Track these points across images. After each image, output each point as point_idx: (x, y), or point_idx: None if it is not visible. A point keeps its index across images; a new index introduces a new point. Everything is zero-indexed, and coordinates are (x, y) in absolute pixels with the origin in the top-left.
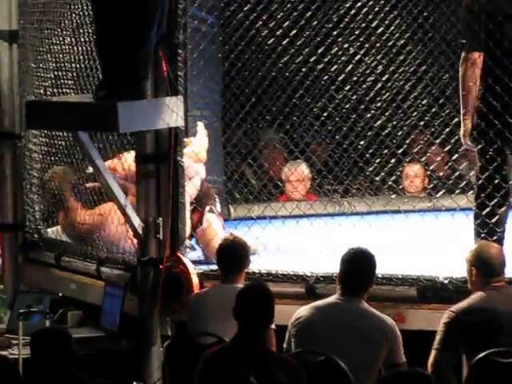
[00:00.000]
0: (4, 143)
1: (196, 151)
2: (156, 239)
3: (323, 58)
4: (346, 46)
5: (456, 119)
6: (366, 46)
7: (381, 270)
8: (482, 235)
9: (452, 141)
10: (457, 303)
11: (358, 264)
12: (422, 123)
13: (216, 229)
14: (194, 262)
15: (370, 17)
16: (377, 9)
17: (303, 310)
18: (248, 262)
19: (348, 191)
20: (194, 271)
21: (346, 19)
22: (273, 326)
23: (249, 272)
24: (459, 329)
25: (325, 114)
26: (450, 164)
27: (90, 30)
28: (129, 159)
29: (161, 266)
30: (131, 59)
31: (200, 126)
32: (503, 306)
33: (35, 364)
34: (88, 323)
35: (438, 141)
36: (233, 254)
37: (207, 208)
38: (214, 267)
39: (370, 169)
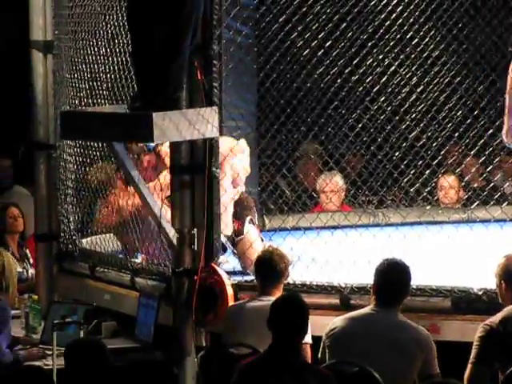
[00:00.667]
0: (39, 153)
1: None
2: (190, 250)
3: (358, 69)
4: (380, 57)
5: (491, 130)
6: (401, 57)
7: (415, 281)
8: None
9: (487, 152)
10: (491, 315)
11: (393, 275)
12: (456, 134)
13: (253, 239)
14: (229, 273)
15: (405, 28)
16: (411, 20)
17: (338, 321)
18: (287, 274)
19: (382, 202)
20: (228, 282)
21: (381, 30)
22: (309, 341)
23: (283, 283)
24: (494, 342)
25: (359, 125)
26: (484, 175)
27: (125, 41)
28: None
29: (195, 277)
30: (166, 69)
31: (242, 142)
32: None
33: (70, 375)
34: (122, 334)
35: (472, 152)
36: (271, 266)
37: (248, 218)
38: (249, 278)
39: (405, 180)
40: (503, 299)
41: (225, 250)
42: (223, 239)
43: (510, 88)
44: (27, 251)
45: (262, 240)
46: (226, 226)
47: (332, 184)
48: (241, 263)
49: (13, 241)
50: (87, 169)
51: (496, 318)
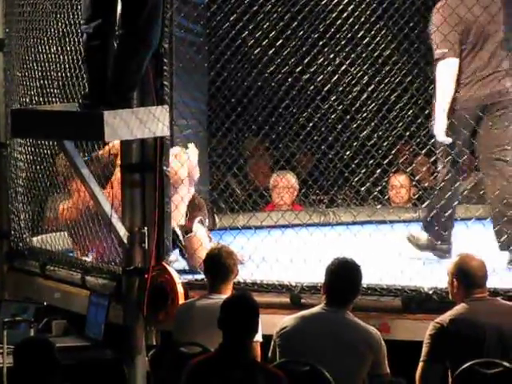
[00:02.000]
0: None
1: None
2: (141, 248)
3: (309, 68)
4: (331, 56)
5: None
6: (352, 56)
7: (366, 280)
8: None
9: (437, 151)
10: (442, 314)
11: (344, 274)
12: (407, 134)
13: (202, 239)
14: (180, 272)
15: (356, 27)
16: (363, 19)
17: (288, 320)
18: (236, 271)
19: (333, 201)
20: (179, 281)
21: (332, 29)
22: (260, 339)
23: (234, 282)
24: (445, 340)
25: (310, 124)
26: (435, 174)
27: (76, 39)
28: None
29: (146, 276)
30: (122, 68)
31: (191, 147)
32: (486, 317)
33: (19, 374)
34: (73, 332)
35: (423, 151)
36: (220, 263)
37: (197, 219)
38: (200, 277)
39: (356, 179)
40: (454, 297)
41: (175, 245)
42: (178, 232)
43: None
44: None
45: (211, 239)
46: (183, 216)
47: (284, 181)
48: (188, 262)
49: None
50: (39, 166)
51: (446, 316)
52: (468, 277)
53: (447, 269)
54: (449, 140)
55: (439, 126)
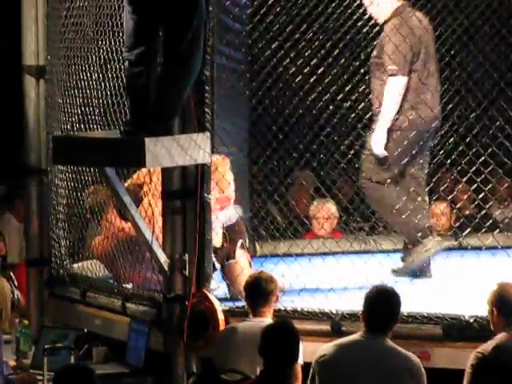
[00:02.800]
0: (30, 178)
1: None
2: (182, 275)
3: (350, 96)
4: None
5: (483, 157)
6: None
7: (406, 307)
8: None
9: (478, 179)
10: (482, 342)
11: (382, 302)
12: (448, 161)
13: (243, 265)
14: (220, 299)
15: None
16: None
17: (327, 348)
18: (276, 295)
19: (374, 229)
20: (219, 308)
21: None
22: (300, 362)
23: (274, 309)
24: (486, 370)
25: (351, 152)
26: (476, 202)
27: (117, 66)
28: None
29: (186, 303)
30: (163, 95)
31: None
32: None
33: None
34: (113, 359)
35: (464, 179)
36: (261, 288)
37: (239, 243)
38: (240, 304)
39: (396, 207)
40: (495, 327)
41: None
42: (213, 259)
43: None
44: (11, 273)
45: (251, 265)
46: (217, 234)
47: (324, 210)
48: (229, 288)
49: None
50: (80, 193)
51: (488, 346)
52: (508, 305)
53: (487, 298)
54: (385, 153)
55: (380, 139)
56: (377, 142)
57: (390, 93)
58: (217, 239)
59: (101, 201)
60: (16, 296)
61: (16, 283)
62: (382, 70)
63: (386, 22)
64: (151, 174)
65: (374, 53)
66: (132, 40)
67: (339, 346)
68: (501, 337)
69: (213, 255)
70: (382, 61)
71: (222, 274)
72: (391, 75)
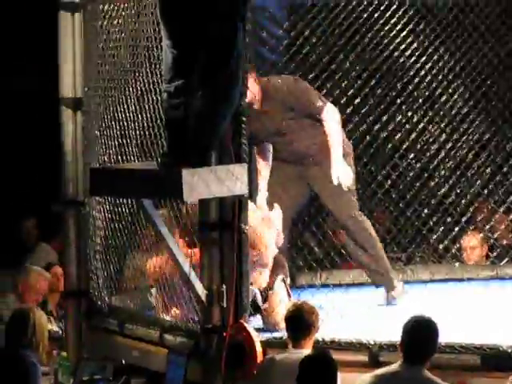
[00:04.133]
0: (68, 210)
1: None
2: (219, 307)
3: (387, 126)
4: (409, 113)
5: None
6: (430, 114)
7: (444, 337)
8: None
9: None
10: None
11: (420, 332)
12: (485, 191)
13: (281, 298)
14: (258, 330)
15: (434, 85)
16: (440, 77)
17: (365, 378)
18: (317, 327)
19: (411, 259)
20: (257, 339)
21: (410, 87)
22: None
23: (314, 336)
24: None
25: (389, 182)
26: None
27: (154, 97)
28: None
29: (224, 334)
30: (203, 129)
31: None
32: None
33: None
34: None
35: (501, 209)
36: (302, 319)
37: (280, 277)
38: (278, 335)
39: (434, 236)
40: None
41: (256, 309)
42: (256, 291)
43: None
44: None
45: (290, 296)
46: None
47: None
48: (265, 320)
49: (53, 299)
50: (117, 225)
51: None
52: None
53: None
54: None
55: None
56: (347, 174)
57: (331, 127)
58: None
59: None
60: (58, 328)
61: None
62: None
63: None
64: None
65: None
66: (171, 73)
67: (377, 377)
68: None
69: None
70: None
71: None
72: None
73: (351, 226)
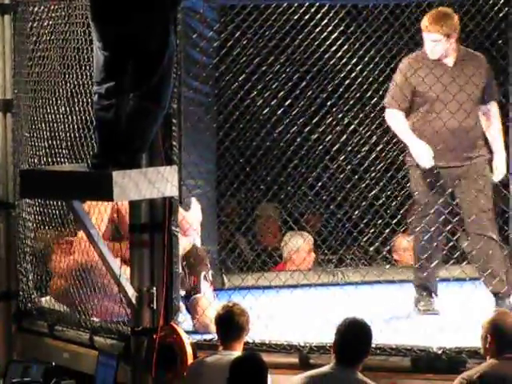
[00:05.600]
0: None
1: (190, 222)
2: (150, 309)
3: (317, 128)
4: (340, 116)
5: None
6: (360, 115)
7: (375, 340)
8: None
9: (446, 211)
10: (450, 374)
11: (354, 334)
12: (416, 193)
13: (209, 299)
14: (188, 332)
15: (365, 86)
16: (371, 79)
17: (296, 380)
18: (247, 329)
19: (342, 261)
20: (187, 341)
21: (341, 89)
22: None
23: (245, 338)
24: None
25: (319, 184)
26: (443, 234)
27: (84, 100)
28: None
29: (154, 336)
30: (134, 128)
31: (194, 201)
32: None
33: None
34: None
35: (431, 210)
36: (232, 321)
37: (202, 274)
38: (208, 337)
39: (365, 239)
40: (486, 353)
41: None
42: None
43: None
44: None
45: (214, 297)
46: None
47: (308, 243)
48: (193, 321)
49: None
50: (47, 227)
51: (473, 373)
52: (502, 334)
53: (482, 323)
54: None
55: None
56: (421, 155)
57: (391, 123)
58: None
59: (46, 244)
60: None
61: None
62: None
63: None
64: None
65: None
66: (102, 74)
67: (309, 378)
68: (487, 364)
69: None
70: None
71: (185, 306)
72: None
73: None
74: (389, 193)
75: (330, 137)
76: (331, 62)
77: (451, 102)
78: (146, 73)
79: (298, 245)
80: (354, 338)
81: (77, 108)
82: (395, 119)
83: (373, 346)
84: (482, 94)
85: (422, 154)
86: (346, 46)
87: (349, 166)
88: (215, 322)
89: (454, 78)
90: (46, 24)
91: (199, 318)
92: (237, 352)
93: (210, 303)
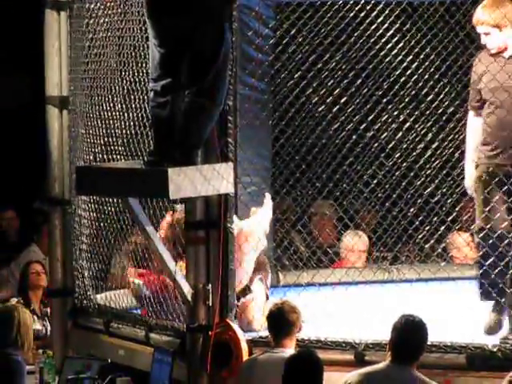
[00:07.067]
0: (54, 209)
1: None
2: (205, 305)
3: (373, 126)
4: (395, 113)
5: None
6: (416, 113)
7: (431, 337)
8: None
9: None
10: (506, 371)
11: (411, 332)
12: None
13: (259, 304)
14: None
15: (420, 84)
16: (427, 76)
17: (352, 376)
18: (299, 325)
19: (397, 258)
20: (243, 338)
21: (396, 86)
22: None
23: (298, 339)
24: None
25: (374, 182)
26: None
27: (140, 97)
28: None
29: (210, 333)
30: (189, 126)
31: (267, 196)
32: None
33: None
34: None
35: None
36: (283, 318)
37: (258, 277)
38: (264, 334)
39: (420, 236)
40: None
41: None
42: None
43: None
44: (49, 309)
45: (267, 297)
46: (247, 274)
47: (362, 243)
48: (242, 319)
49: (35, 297)
50: (103, 224)
51: None
52: None
53: None
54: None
55: (466, 178)
56: (466, 182)
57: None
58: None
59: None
60: (49, 332)
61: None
62: None
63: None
64: None
65: None
66: (158, 71)
67: (364, 375)
68: None
69: None
70: None
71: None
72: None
73: None
74: (444, 190)
75: (385, 134)
76: (386, 60)
77: (506, 99)
78: (202, 70)
79: (354, 244)
80: (410, 335)
81: (133, 105)
82: (468, 125)
83: (428, 343)
84: None
85: (466, 177)
86: (401, 44)
87: (404, 164)
88: (266, 319)
89: (508, 73)
90: (102, 21)
91: (243, 313)
92: (289, 349)
93: (253, 298)
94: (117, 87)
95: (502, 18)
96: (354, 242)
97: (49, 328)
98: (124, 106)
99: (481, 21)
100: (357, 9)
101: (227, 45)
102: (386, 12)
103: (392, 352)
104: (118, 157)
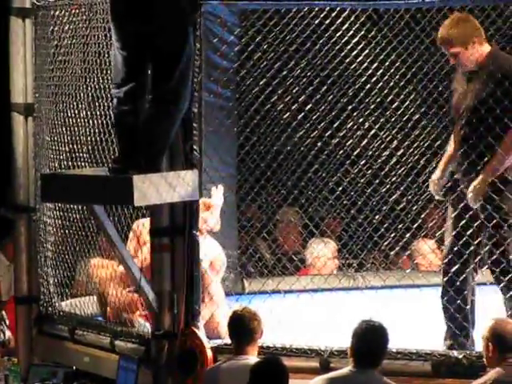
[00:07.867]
0: (19, 216)
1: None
2: (170, 313)
3: (338, 133)
4: (361, 120)
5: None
6: (381, 120)
7: (395, 344)
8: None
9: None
10: (470, 378)
11: (371, 336)
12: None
13: (218, 303)
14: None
15: (385, 91)
16: (392, 83)
17: (316, 382)
18: (260, 332)
19: (362, 265)
20: (208, 345)
21: (362, 94)
22: None
23: (263, 346)
24: None
25: (340, 189)
26: (465, 239)
27: (105, 104)
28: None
29: (175, 340)
30: (153, 132)
31: (220, 187)
32: None
33: None
34: None
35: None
36: (244, 325)
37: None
38: (229, 341)
39: (385, 243)
40: (489, 362)
41: None
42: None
43: None
44: (3, 313)
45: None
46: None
47: (330, 250)
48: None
49: None
50: (68, 231)
51: (481, 382)
52: (503, 341)
53: (482, 333)
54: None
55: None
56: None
57: None
58: None
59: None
60: (7, 337)
61: (8, 323)
62: None
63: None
64: None
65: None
66: (120, 77)
67: (328, 380)
68: (494, 373)
69: None
70: None
71: None
72: None
73: None
74: (409, 197)
75: (350, 141)
76: (352, 67)
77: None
78: (164, 74)
79: (321, 251)
80: (370, 340)
81: (98, 112)
82: None
83: (393, 350)
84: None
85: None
86: (366, 51)
87: (369, 171)
88: (228, 327)
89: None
90: (66, 28)
91: (208, 321)
92: (252, 356)
93: (218, 305)
94: (82, 94)
95: (466, 36)
96: (321, 249)
97: (7, 333)
98: (89, 112)
99: (443, 42)
100: (322, 16)
101: (190, 49)
102: (352, 19)
103: (354, 358)
104: (83, 164)
